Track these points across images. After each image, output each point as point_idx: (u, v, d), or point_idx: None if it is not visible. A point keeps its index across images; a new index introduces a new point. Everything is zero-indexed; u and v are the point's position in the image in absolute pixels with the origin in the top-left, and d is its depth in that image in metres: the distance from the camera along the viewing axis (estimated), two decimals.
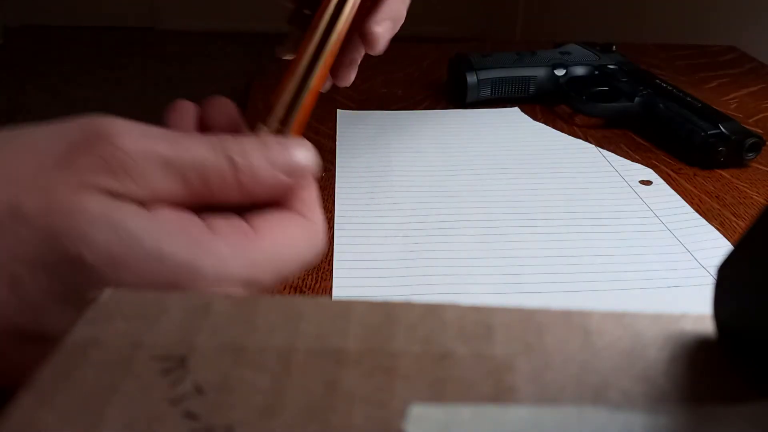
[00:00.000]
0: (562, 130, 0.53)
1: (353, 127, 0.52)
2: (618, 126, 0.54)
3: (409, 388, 0.13)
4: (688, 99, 0.50)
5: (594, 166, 0.46)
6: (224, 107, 0.27)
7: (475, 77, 0.57)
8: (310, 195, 0.26)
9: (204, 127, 0.27)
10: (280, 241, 0.23)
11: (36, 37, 2.80)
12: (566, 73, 0.58)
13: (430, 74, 0.67)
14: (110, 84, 2.34)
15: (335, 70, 0.37)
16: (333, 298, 0.31)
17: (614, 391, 0.13)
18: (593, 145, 0.50)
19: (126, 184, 0.20)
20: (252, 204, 0.24)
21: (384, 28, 0.34)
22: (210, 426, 0.12)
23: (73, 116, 0.22)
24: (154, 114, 0.26)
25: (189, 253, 0.20)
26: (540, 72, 0.58)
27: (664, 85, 0.54)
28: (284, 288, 0.33)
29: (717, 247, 0.36)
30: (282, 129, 0.27)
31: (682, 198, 0.42)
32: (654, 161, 0.47)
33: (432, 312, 0.16)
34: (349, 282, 0.33)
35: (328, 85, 0.38)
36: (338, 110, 0.54)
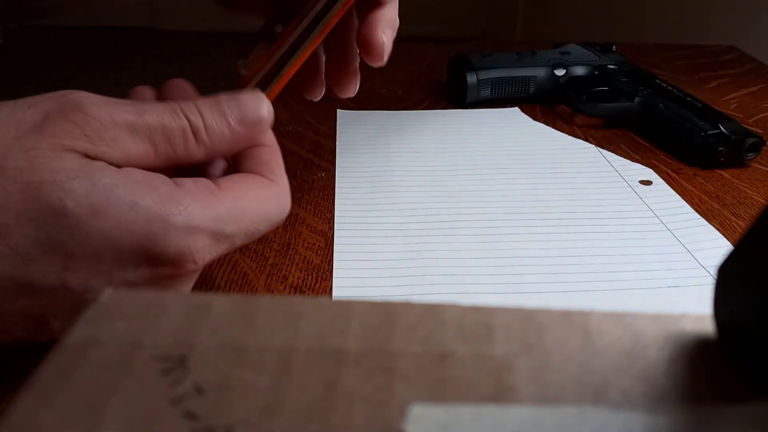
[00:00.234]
0: (562, 130, 0.53)
1: (353, 127, 0.52)
2: (618, 126, 0.54)
3: (409, 388, 0.13)
4: (688, 99, 0.50)
5: (594, 166, 0.46)
6: (180, 87, 0.29)
7: (475, 77, 0.57)
8: (274, 160, 0.28)
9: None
10: (244, 198, 0.25)
11: (36, 37, 2.80)
12: (566, 73, 0.58)
13: (430, 74, 0.67)
14: (110, 84, 2.34)
15: (338, 80, 0.36)
16: (333, 298, 0.31)
17: (614, 391, 0.13)
18: (593, 145, 0.50)
19: (100, 147, 0.22)
20: (222, 160, 0.27)
21: (388, 36, 0.33)
22: (210, 426, 0.12)
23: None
24: None
25: (160, 206, 0.22)
26: (540, 72, 0.58)
27: (664, 85, 0.54)
28: (284, 288, 0.33)
29: (717, 247, 0.36)
30: None
31: (682, 198, 0.42)
32: (654, 161, 0.47)
33: (432, 312, 0.16)
34: (349, 282, 0.33)
35: (320, 92, 0.37)
36: (338, 110, 0.54)
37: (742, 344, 0.14)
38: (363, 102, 0.57)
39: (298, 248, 0.36)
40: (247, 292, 0.32)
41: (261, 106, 0.27)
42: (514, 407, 0.13)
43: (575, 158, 0.47)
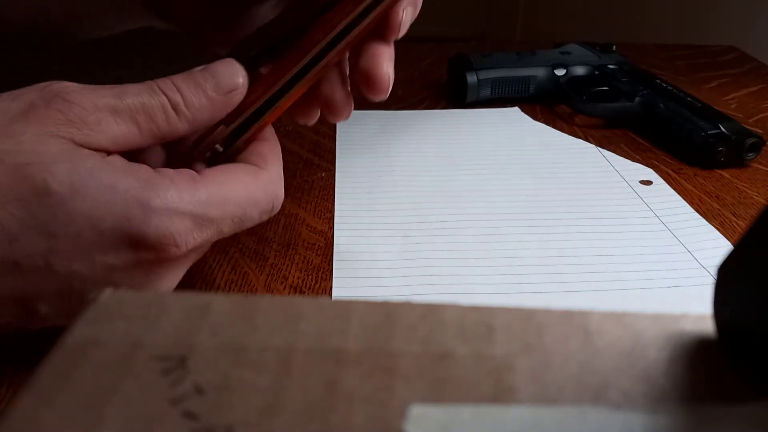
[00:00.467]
0: (562, 130, 0.53)
1: (353, 127, 0.52)
2: (618, 126, 0.54)
3: (409, 388, 0.13)
4: (688, 99, 0.50)
5: (594, 166, 0.46)
6: None
7: (475, 77, 0.57)
8: (269, 151, 0.28)
9: None
10: (228, 183, 0.26)
11: None
12: (566, 73, 0.58)
13: (430, 74, 0.67)
14: (110, 83, 2.33)
15: (333, 105, 0.33)
16: (333, 298, 0.31)
17: (614, 391, 0.13)
18: (593, 145, 0.50)
19: (84, 131, 0.23)
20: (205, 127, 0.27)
21: (391, 70, 0.30)
22: (210, 426, 0.12)
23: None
24: None
25: (139, 190, 0.23)
26: (540, 72, 0.58)
27: (664, 85, 0.54)
28: (284, 288, 0.33)
29: (717, 247, 0.36)
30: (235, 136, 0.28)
31: (682, 198, 0.42)
32: (654, 161, 0.47)
33: (432, 312, 0.16)
34: (349, 282, 0.33)
35: (315, 116, 0.35)
36: None
37: (742, 344, 0.14)
38: (363, 102, 0.57)
39: (298, 248, 0.36)
40: (247, 292, 0.32)
41: (235, 73, 0.27)
42: (514, 407, 0.13)
43: (575, 158, 0.47)
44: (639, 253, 0.35)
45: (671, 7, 1.47)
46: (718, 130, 0.46)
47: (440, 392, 0.13)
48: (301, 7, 0.31)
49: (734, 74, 0.70)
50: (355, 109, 0.33)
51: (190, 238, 0.24)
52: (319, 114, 0.35)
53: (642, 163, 0.47)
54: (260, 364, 0.14)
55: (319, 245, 0.36)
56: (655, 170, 0.45)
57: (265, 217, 0.28)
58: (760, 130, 0.51)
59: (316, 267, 0.34)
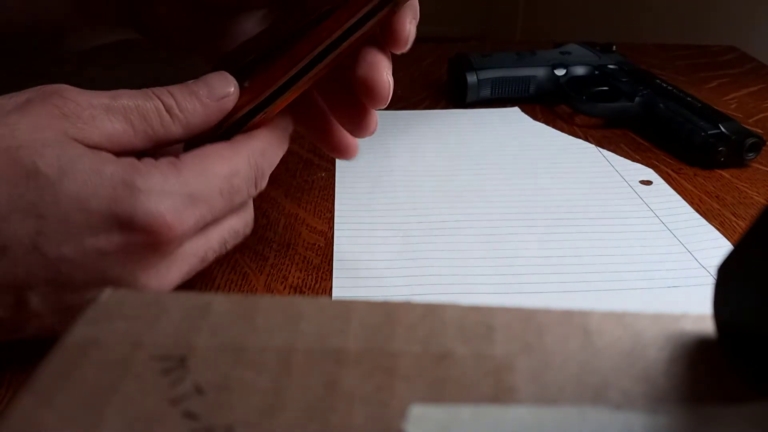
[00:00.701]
0: (562, 130, 0.53)
1: None
2: (618, 126, 0.54)
3: (409, 388, 0.13)
4: (688, 99, 0.50)
5: (594, 166, 0.46)
6: None
7: (475, 77, 0.57)
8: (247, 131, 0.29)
9: None
10: (207, 158, 0.26)
11: None
12: (566, 73, 0.58)
13: (430, 74, 0.67)
14: (110, 84, 2.34)
15: (357, 119, 0.33)
16: (333, 298, 0.31)
17: (614, 391, 0.13)
18: (593, 145, 0.50)
19: (78, 125, 0.24)
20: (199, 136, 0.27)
21: (391, 77, 0.30)
22: (210, 426, 0.12)
23: None
24: None
25: (124, 173, 0.23)
26: (540, 72, 0.58)
27: (664, 85, 0.54)
28: (284, 288, 0.33)
29: (717, 247, 0.36)
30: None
31: (683, 198, 0.42)
32: (654, 161, 0.47)
33: (432, 312, 0.16)
34: (349, 282, 0.33)
35: (354, 149, 0.34)
36: None
37: (742, 344, 0.14)
38: None
39: (298, 248, 0.36)
40: (247, 292, 0.32)
41: (228, 82, 0.28)
42: (514, 407, 0.13)
43: (575, 158, 0.47)
44: (639, 253, 0.35)
45: (671, 7, 1.47)
46: (718, 130, 0.46)
47: (440, 392, 0.13)
48: (290, 20, 0.30)
49: (734, 74, 0.70)
50: None
51: (182, 216, 0.24)
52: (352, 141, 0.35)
53: (642, 163, 0.47)
54: (260, 364, 0.14)
55: (319, 245, 0.36)
56: (655, 170, 0.45)
57: (253, 190, 0.28)
58: (760, 130, 0.51)
59: (316, 267, 0.34)
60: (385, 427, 0.12)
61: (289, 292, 0.32)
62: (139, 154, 0.26)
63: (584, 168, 0.46)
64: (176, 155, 0.26)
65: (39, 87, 0.24)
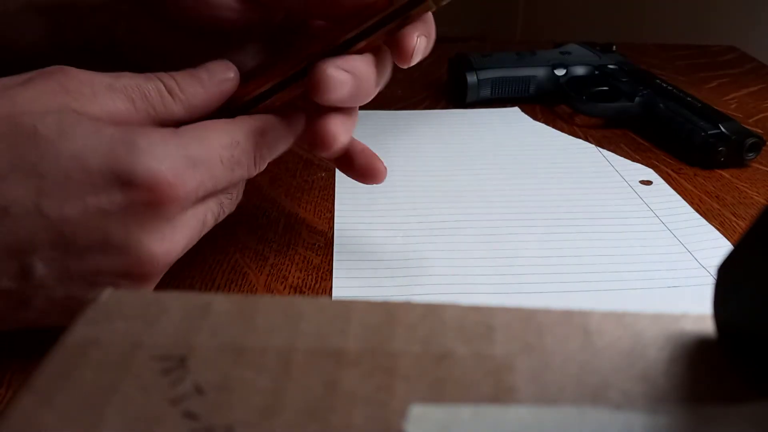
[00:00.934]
0: (562, 130, 0.53)
1: None
2: (618, 126, 0.54)
3: (409, 388, 0.13)
4: (688, 99, 0.50)
5: (594, 166, 0.46)
6: None
7: (475, 77, 0.57)
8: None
9: None
10: (208, 128, 0.26)
11: None
12: (566, 73, 0.58)
13: (430, 74, 0.67)
14: None
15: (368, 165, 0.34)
16: (333, 298, 0.31)
17: (614, 391, 0.13)
18: (593, 145, 0.50)
19: (80, 100, 0.24)
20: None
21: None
22: (210, 426, 0.12)
23: None
24: None
25: (123, 134, 0.23)
26: (540, 72, 0.58)
27: (664, 85, 0.54)
28: (284, 288, 0.33)
29: (717, 247, 0.36)
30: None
31: (683, 198, 0.42)
32: (654, 161, 0.47)
33: (432, 312, 0.16)
34: (349, 282, 0.33)
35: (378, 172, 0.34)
36: None
37: (742, 344, 0.14)
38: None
39: (298, 248, 0.36)
40: (247, 292, 0.32)
41: (227, 68, 0.28)
42: (514, 407, 0.13)
43: (575, 158, 0.47)
44: (639, 253, 0.35)
45: (671, 7, 1.47)
46: (718, 130, 0.46)
47: (440, 392, 0.13)
48: (283, 56, 0.30)
49: (734, 74, 0.70)
50: None
51: (182, 176, 0.24)
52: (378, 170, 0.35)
53: (642, 163, 0.47)
54: (260, 364, 0.14)
55: (319, 245, 0.36)
56: (655, 170, 0.45)
57: (253, 169, 0.28)
58: (760, 130, 0.51)
59: (316, 267, 0.34)
60: (385, 427, 0.12)
61: (289, 292, 0.32)
62: None
63: (584, 168, 0.46)
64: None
65: (43, 69, 0.25)
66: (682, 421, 0.13)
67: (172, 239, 0.25)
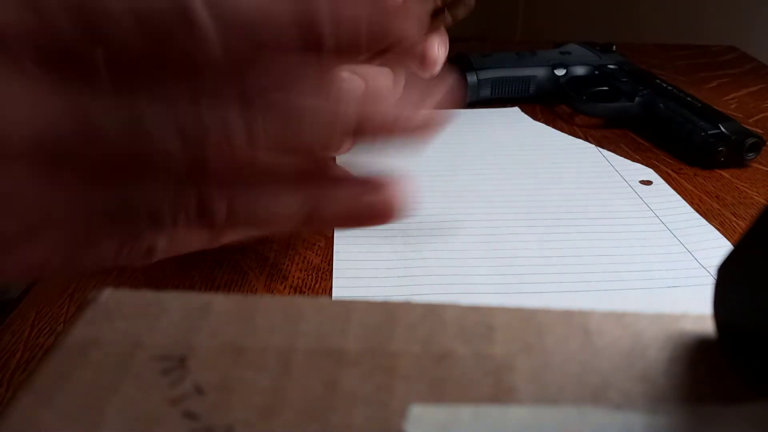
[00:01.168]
0: (562, 130, 0.53)
1: None
2: (618, 126, 0.54)
3: (409, 388, 0.13)
4: (688, 99, 0.50)
5: (594, 166, 0.46)
6: None
7: (475, 77, 0.57)
8: None
9: None
10: None
11: None
12: (566, 73, 0.58)
13: None
14: None
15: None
16: (333, 298, 0.31)
17: (614, 391, 0.13)
18: (593, 145, 0.50)
19: None
20: None
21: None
22: (210, 426, 0.12)
23: None
24: None
25: None
26: (540, 72, 0.58)
27: (664, 85, 0.54)
28: (284, 288, 0.33)
29: (717, 247, 0.36)
30: None
31: (683, 198, 0.42)
32: (654, 161, 0.47)
33: (432, 312, 0.16)
34: (349, 282, 0.33)
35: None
36: None
37: (742, 344, 0.14)
38: None
39: (298, 248, 0.36)
40: (247, 292, 0.32)
41: None
42: (514, 407, 0.13)
43: (575, 158, 0.47)
44: (639, 253, 0.35)
45: (671, 7, 1.47)
46: (718, 130, 0.46)
47: (440, 392, 0.13)
48: None
49: (734, 74, 0.70)
50: None
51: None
52: None
53: (642, 163, 0.47)
54: (260, 364, 0.14)
55: (319, 245, 0.36)
56: (655, 170, 0.45)
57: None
58: (760, 130, 0.51)
59: (316, 267, 0.34)
60: (385, 427, 0.12)
61: (289, 292, 0.32)
62: None
63: (584, 168, 0.46)
64: None
65: None
66: (682, 421, 0.13)
67: None
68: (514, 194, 0.42)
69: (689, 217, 0.39)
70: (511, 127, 0.53)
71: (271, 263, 0.34)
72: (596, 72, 0.58)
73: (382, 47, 0.19)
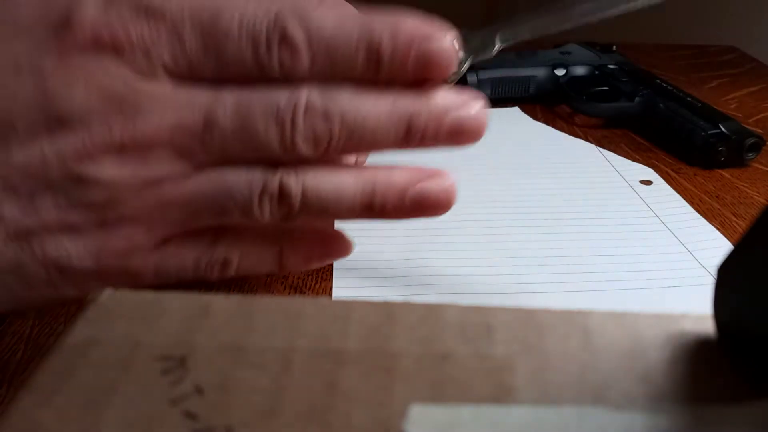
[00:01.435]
0: (562, 130, 0.53)
1: None
2: (618, 126, 0.54)
3: (409, 388, 0.13)
4: (688, 99, 0.50)
5: (594, 166, 0.46)
6: None
7: (475, 77, 0.57)
8: None
9: None
10: None
11: None
12: (566, 73, 0.58)
13: None
14: None
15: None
16: (333, 298, 0.31)
17: (614, 392, 0.13)
18: (593, 145, 0.50)
19: None
20: None
21: None
22: (210, 426, 0.12)
23: None
24: None
25: None
26: (540, 72, 0.58)
27: (664, 85, 0.54)
28: (284, 288, 0.33)
29: (717, 247, 0.36)
30: None
31: (683, 198, 0.42)
32: (654, 161, 0.47)
33: (432, 312, 0.16)
34: (349, 282, 0.33)
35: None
36: None
37: (742, 344, 0.14)
38: None
39: None
40: (247, 292, 0.32)
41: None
42: (514, 407, 0.13)
43: (575, 158, 0.47)
44: (639, 253, 0.35)
45: (671, 7, 1.47)
46: (718, 130, 0.46)
47: (440, 392, 0.13)
48: None
49: (734, 74, 0.70)
50: None
51: (128, 25, 0.19)
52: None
53: (642, 163, 0.47)
54: (260, 364, 0.14)
55: None
56: (655, 170, 0.45)
57: (262, 46, 0.21)
58: (760, 130, 0.51)
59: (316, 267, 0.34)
60: (385, 427, 0.12)
61: (289, 292, 0.32)
62: None
63: (584, 168, 0.46)
64: None
65: None
66: (682, 421, 0.13)
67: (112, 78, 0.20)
68: (514, 194, 0.42)
69: (689, 217, 0.39)
70: (511, 127, 0.53)
71: None
72: (596, 72, 0.58)
73: (425, 75, 0.23)
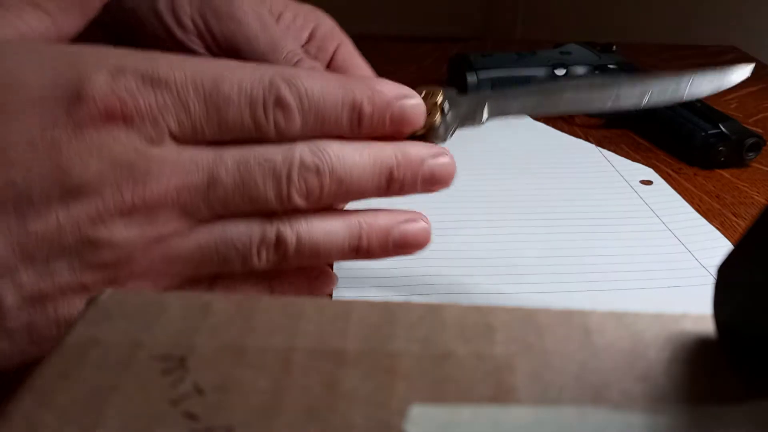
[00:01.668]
0: (562, 130, 0.53)
1: None
2: (618, 126, 0.54)
3: (409, 388, 0.13)
4: None
5: (594, 166, 0.46)
6: None
7: (475, 77, 0.57)
8: None
9: None
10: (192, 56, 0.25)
11: None
12: (566, 73, 0.58)
13: (430, 74, 0.67)
14: None
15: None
16: (333, 298, 0.31)
17: (614, 391, 0.13)
18: (593, 145, 0.50)
19: None
20: None
21: None
22: (210, 426, 0.12)
23: None
24: None
25: (70, 47, 0.22)
26: (540, 72, 0.58)
27: None
28: None
29: (717, 247, 0.36)
30: None
31: (683, 198, 0.42)
32: (654, 161, 0.47)
33: (432, 312, 0.16)
34: (349, 282, 0.33)
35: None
36: None
37: (741, 344, 0.14)
38: None
39: None
40: None
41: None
42: (514, 407, 0.13)
43: (575, 158, 0.47)
44: (639, 253, 0.35)
45: (671, 7, 1.47)
46: (718, 130, 0.46)
47: (440, 392, 0.13)
48: None
49: None
50: None
51: (136, 96, 0.20)
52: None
53: (642, 163, 0.47)
54: (260, 364, 0.14)
55: None
56: (655, 170, 0.45)
57: (259, 109, 0.22)
58: (760, 130, 0.51)
59: None
60: (385, 427, 0.12)
61: None
62: None
63: (584, 168, 0.46)
64: None
65: None
66: (682, 421, 0.13)
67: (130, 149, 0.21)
68: (514, 194, 0.42)
69: (689, 217, 0.39)
70: (511, 127, 0.53)
71: None
72: (596, 72, 0.58)
73: (400, 128, 0.26)
